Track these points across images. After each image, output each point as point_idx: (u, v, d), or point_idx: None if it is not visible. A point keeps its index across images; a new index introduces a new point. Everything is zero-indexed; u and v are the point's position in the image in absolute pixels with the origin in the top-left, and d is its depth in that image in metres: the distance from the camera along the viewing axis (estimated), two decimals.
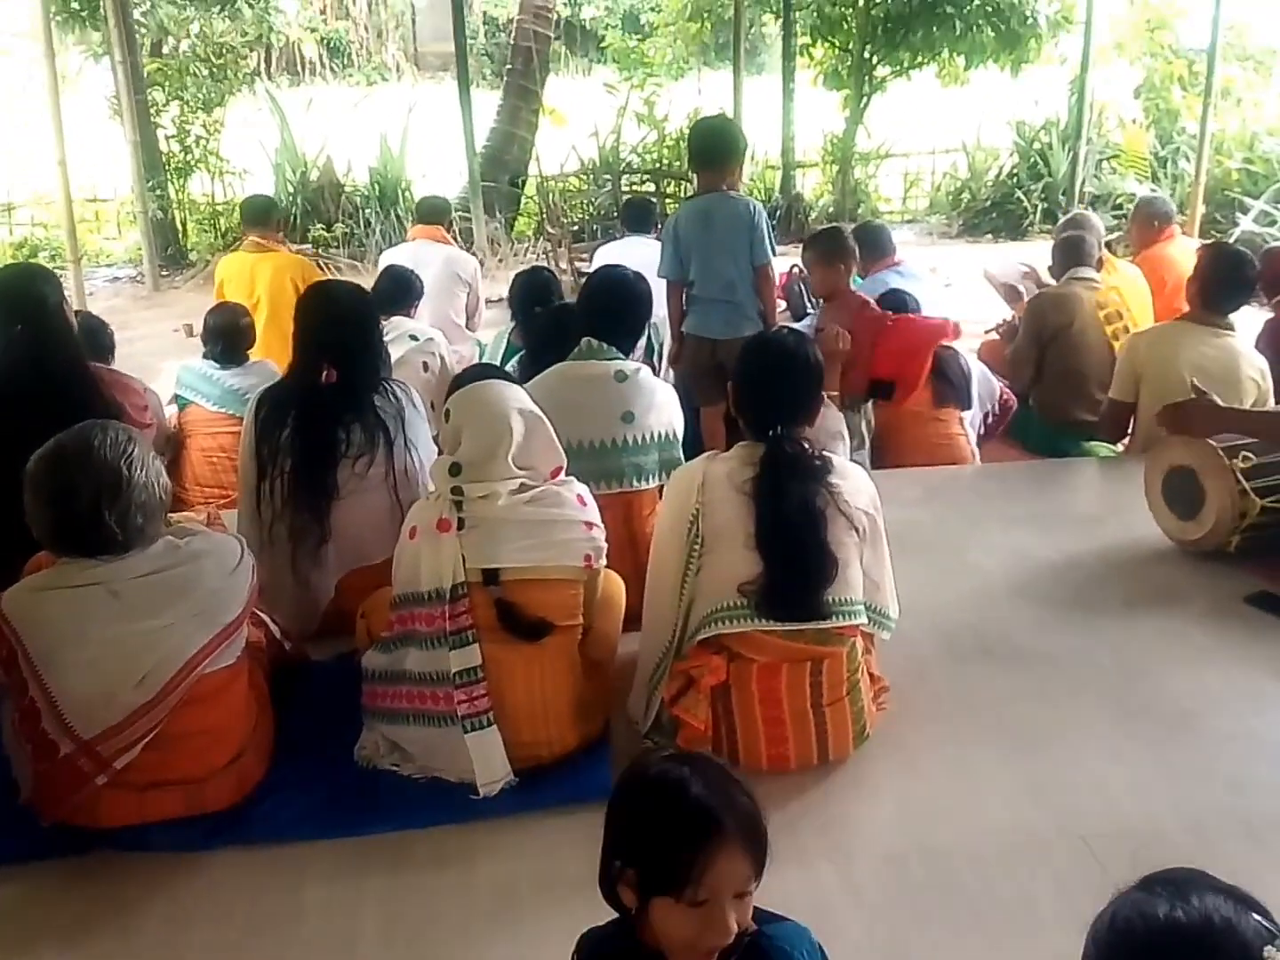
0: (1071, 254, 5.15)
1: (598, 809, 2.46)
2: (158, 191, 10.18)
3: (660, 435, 3.30)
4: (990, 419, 4.84)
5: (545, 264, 8.37)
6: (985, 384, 4.75)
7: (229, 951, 2.20)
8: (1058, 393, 4.92)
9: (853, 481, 2.63)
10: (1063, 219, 6.49)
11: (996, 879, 2.30)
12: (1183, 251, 5.99)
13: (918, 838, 2.42)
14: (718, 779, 1.57)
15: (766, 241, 4.20)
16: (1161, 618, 3.33)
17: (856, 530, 2.58)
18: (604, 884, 1.59)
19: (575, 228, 9.87)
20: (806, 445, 2.60)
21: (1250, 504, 3.47)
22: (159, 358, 6.66)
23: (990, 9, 11.41)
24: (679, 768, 1.57)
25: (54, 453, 2.30)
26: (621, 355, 3.38)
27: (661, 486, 3.23)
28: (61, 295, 3.36)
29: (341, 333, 3.25)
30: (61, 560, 2.34)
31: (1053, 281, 5.36)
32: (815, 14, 12.20)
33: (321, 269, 9.12)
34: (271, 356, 4.98)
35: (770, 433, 2.59)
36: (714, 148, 4.39)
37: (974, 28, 11.45)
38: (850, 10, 12.22)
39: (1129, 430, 4.55)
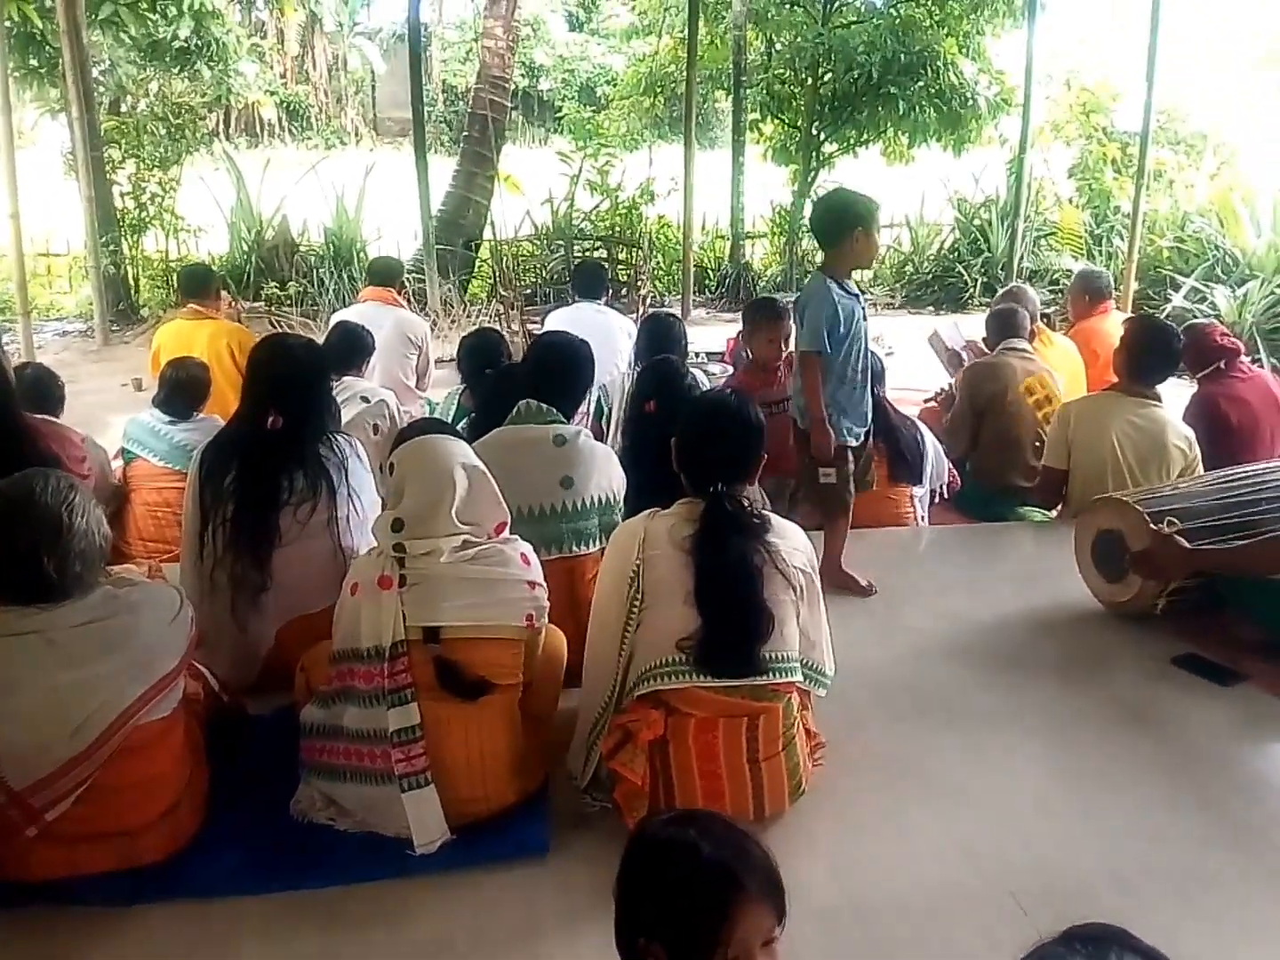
0: (1005, 326, 5.31)
1: (535, 865, 2.51)
2: (111, 247, 10.16)
3: (600, 500, 3.34)
4: (935, 498, 4.88)
5: (497, 326, 8.45)
6: (939, 463, 4.77)
7: None
8: (993, 459, 5.05)
9: (790, 540, 2.68)
10: (1000, 291, 6.68)
11: (927, 933, 2.34)
12: (1116, 326, 6.16)
13: (850, 893, 2.45)
14: (725, 834, 1.58)
15: (805, 327, 3.82)
16: (1091, 678, 3.40)
17: (794, 588, 2.63)
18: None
19: (528, 291, 9.97)
20: (746, 503, 2.65)
21: None
22: (107, 411, 6.62)
23: (933, 90, 11.82)
24: (685, 830, 1.57)
25: None
26: (562, 418, 3.43)
27: (603, 550, 3.27)
28: None
29: (290, 381, 3.28)
30: None
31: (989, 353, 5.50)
32: (765, 91, 12.55)
33: (274, 327, 9.17)
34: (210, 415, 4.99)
35: (710, 490, 2.64)
36: (813, 226, 4.14)
37: (917, 108, 11.84)
38: (799, 89, 12.60)
39: (1062, 495, 4.67)
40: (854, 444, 3.93)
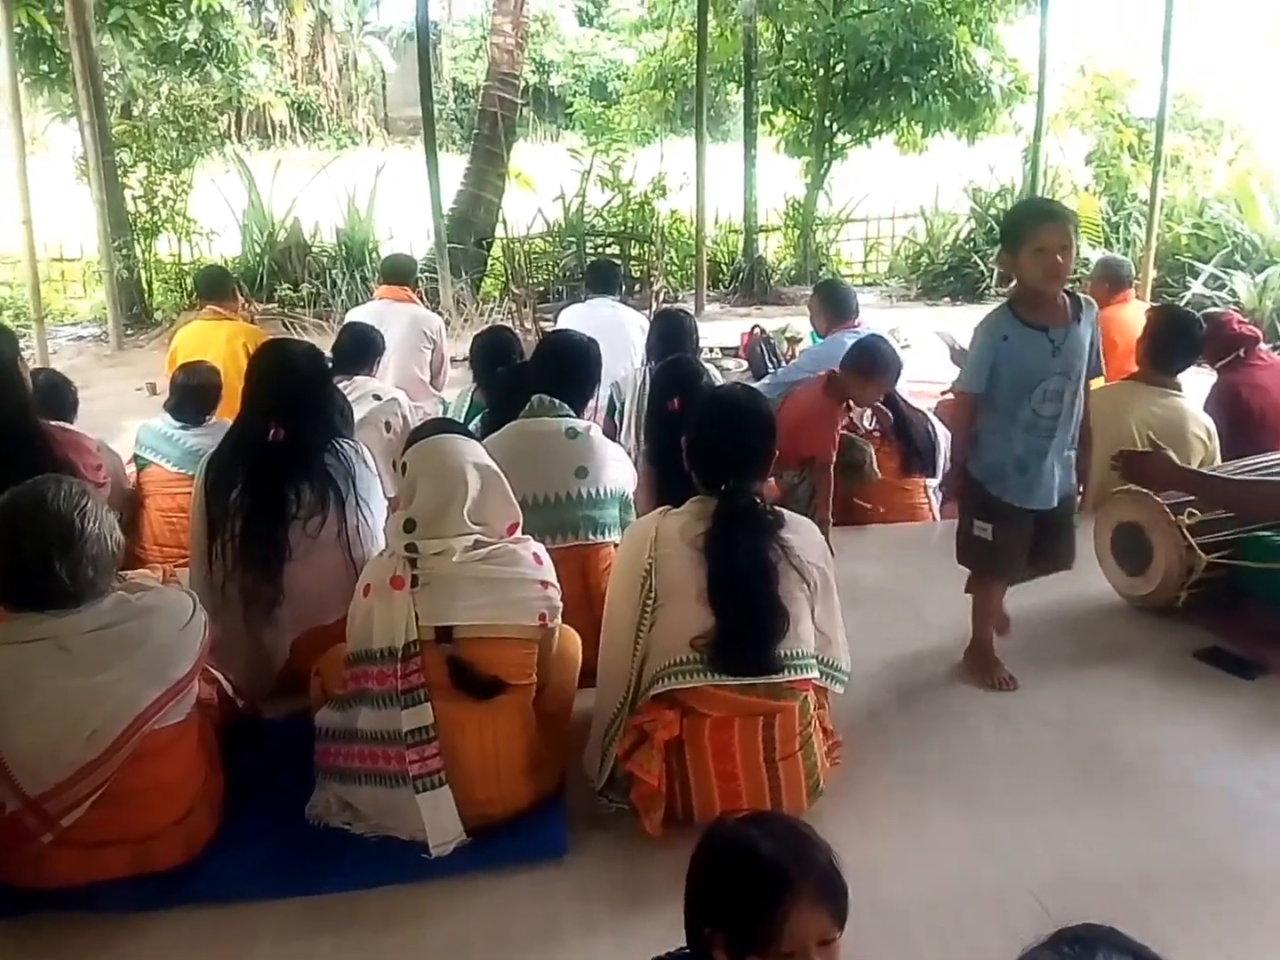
0: None
1: (552, 866, 2.50)
2: (124, 251, 10.20)
3: (613, 491, 3.34)
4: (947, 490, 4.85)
5: (509, 324, 8.44)
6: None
7: None
8: None
9: (804, 536, 2.66)
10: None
11: (949, 932, 2.32)
12: (1136, 314, 6.11)
13: (871, 893, 2.40)
14: (787, 835, 1.64)
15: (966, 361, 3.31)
16: (1111, 673, 3.37)
17: (808, 584, 2.61)
18: (694, 950, 1.65)
19: (540, 288, 9.97)
20: (758, 500, 2.63)
21: (1196, 560, 3.53)
22: (121, 416, 6.63)
23: (946, 79, 11.77)
24: (748, 828, 1.66)
25: (6, 505, 2.31)
26: (572, 413, 3.43)
27: (616, 543, 3.26)
28: (16, 352, 3.37)
29: (291, 391, 3.26)
30: (11, 615, 2.33)
31: None
32: (776, 83, 12.51)
33: (287, 329, 9.18)
34: (223, 420, 5.00)
35: (723, 487, 2.62)
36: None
37: (930, 97, 11.78)
38: (810, 80, 12.56)
39: None
40: (1024, 506, 3.20)
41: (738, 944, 1.56)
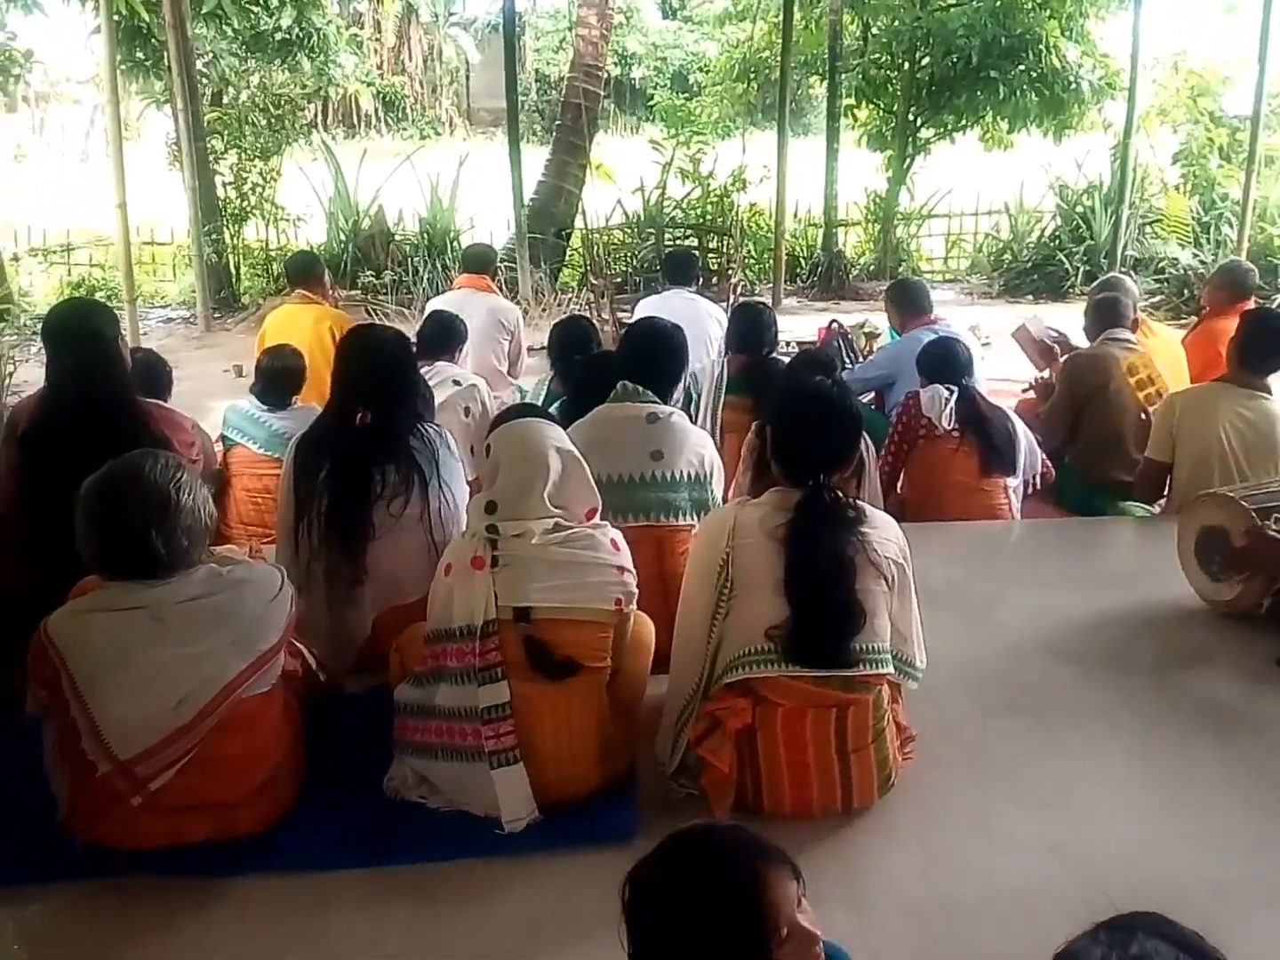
0: (1107, 315, 5.15)
1: (621, 848, 2.52)
2: (213, 236, 10.44)
3: (690, 475, 3.34)
4: (1029, 489, 4.76)
5: (587, 314, 8.49)
6: (1031, 454, 4.63)
7: None
8: (1094, 453, 4.92)
9: (882, 530, 2.65)
10: (1098, 281, 6.48)
11: (1016, 932, 2.29)
12: None
13: (939, 890, 2.41)
14: (726, 827, 1.64)
15: None
16: (1191, 678, 3.31)
17: (885, 580, 2.60)
18: None
19: (618, 280, 10.00)
20: (841, 494, 2.63)
21: None
22: (208, 397, 6.80)
23: (1034, 74, 11.56)
24: (673, 870, 1.57)
25: (105, 476, 2.39)
26: (657, 399, 3.45)
27: (693, 526, 3.28)
28: (117, 331, 3.46)
29: (378, 376, 3.32)
30: (107, 584, 2.41)
31: (1084, 346, 5.35)
32: (860, 76, 12.39)
33: (369, 315, 9.32)
34: (308, 403, 5.11)
35: (810, 481, 2.62)
36: None
37: (1018, 92, 11.58)
38: (895, 74, 12.42)
39: (1165, 491, 4.53)
40: None
41: None
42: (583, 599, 2.59)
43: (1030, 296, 11.20)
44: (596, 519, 2.74)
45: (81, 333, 3.33)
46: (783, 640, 2.53)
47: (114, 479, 2.37)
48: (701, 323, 6.03)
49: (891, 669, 2.64)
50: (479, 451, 3.48)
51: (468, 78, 34.65)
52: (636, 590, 2.72)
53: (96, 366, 3.30)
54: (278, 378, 4.85)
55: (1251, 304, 5.87)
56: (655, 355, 3.57)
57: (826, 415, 2.69)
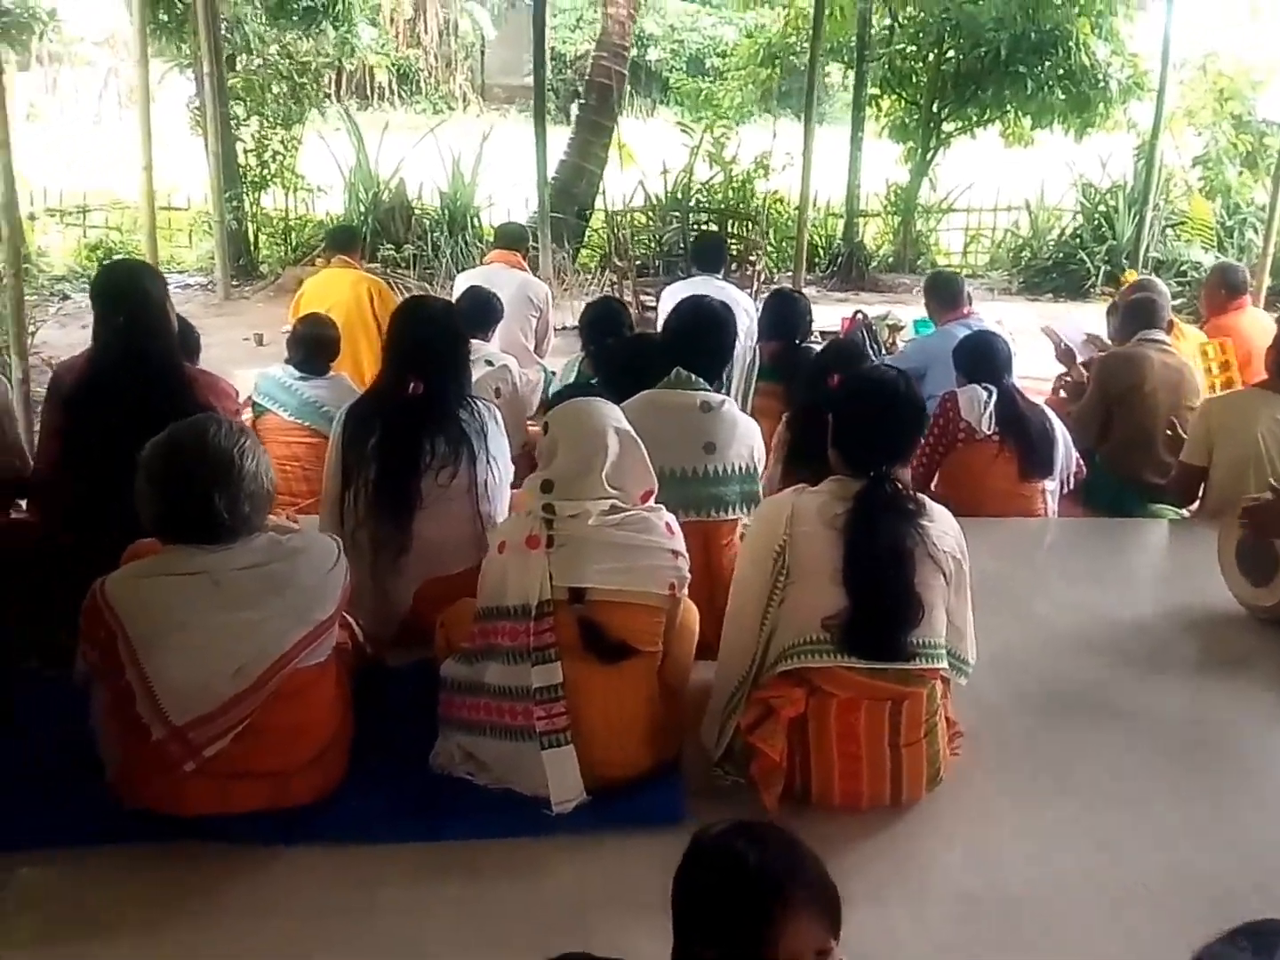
0: (1142, 316, 5.13)
1: (666, 832, 2.51)
2: (234, 203, 10.38)
3: (740, 468, 3.32)
4: (1063, 489, 4.71)
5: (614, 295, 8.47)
6: (1067, 453, 4.56)
7: (301, 944, 2.22)
8: (1126, 453, 4.90)
9: (941, 524, 2.63)
10: (1129, 282, 6.48)
11: (1063, 927, 2.30)
12: (1252, 322, 5.97)
13: (990, 883, 2.42)
14: (775, 845, 1.58)
15: None
16: (1231, 680, 3.31)
17: (943, 574, 2.58)
18: None
19: (638, 262, 9.96)
20: (901, 485, 2.61)
21: None
22: (230, 365, 6.75)
23: (1062, 71, 11.50)
24: (734, 840, 1.59)
25: (170, 439, 2.37)
26: (708, 386, 3.41)
27: (739, 519, 3.26)
28: (165, 293, 3.44)
29: (431, 346, 3.32)
30: (167, 547, 2.40)
31: (1111, 347, 5.35)
32: (886, 66, 12.33)
33: (391, 288, 9.29)
34: (343, 366, 5.10)
35: (871, 472, 2.60)
36: None
37: (1045, 88, 11.52)
38: (921, 65, 12.35)
39: (1199, 495, 4.52)
40: None
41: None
42: (638, 582, 2.58)
43: (1050, 294, 11.17)
44: (652, 501, 2.73)
45: (131, 292, 3.31)
46: (839, 631, 2.51)
47: (178, 441, 2.35)
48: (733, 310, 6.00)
49: (946, 664, 2.63)
50: (510, 432, 3.49)
51: (483, 54, 34.40)
52: (689, 575, 2.70)
53: (146, 325, 3.28)
54: (311, 345, 4.85)
55: (1247, 300, 6.03)
56: (706, 336, 3.53)
57: (891, 404, 2.67)
